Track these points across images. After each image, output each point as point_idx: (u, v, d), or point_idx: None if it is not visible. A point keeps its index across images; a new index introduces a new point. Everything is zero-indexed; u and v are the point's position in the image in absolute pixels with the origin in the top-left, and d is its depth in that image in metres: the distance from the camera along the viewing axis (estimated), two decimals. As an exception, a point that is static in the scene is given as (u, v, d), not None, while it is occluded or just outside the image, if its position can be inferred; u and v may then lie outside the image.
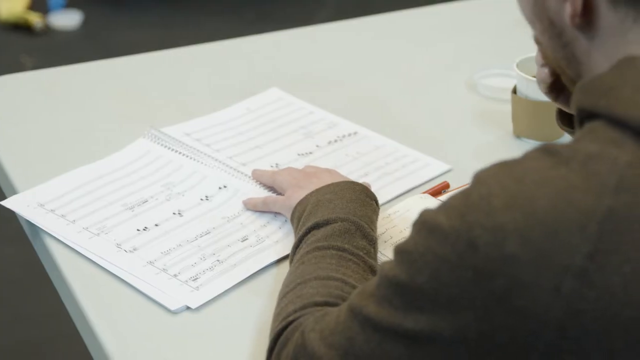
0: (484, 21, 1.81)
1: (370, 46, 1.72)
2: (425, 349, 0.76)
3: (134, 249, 1.15)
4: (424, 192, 1.26)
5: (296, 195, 1.15)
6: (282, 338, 0.91)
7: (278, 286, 1.07)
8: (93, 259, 1.13)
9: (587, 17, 0.80)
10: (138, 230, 1.18)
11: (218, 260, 1.13)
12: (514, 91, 1.38)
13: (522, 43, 1.67)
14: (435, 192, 1.26)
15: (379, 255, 1.09)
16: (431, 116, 1.48)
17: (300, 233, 1.08)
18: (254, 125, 1.44)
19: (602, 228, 0.70)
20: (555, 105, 1.31)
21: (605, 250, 0.70)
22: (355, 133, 1.42)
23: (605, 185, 0.71)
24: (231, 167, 1.31)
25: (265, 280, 1.12)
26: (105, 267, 1.12)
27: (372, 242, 1.06)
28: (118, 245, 1.15)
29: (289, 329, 0.91)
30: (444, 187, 1.27)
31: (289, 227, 1.18)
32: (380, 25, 1.82)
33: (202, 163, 1.32)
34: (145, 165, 1.31)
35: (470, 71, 1.57)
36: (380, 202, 1.19)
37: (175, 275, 1.10)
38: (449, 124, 1.46)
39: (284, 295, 0.98)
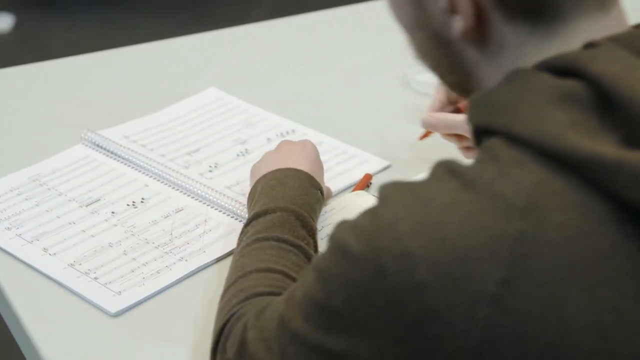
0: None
1: (305, 44, 1.74)
2: None
3: (58, 252, 1.14)
4: (353, 189, 1.27)
5: (253, 178, 1.17)
6: (225, 330, 0.91)
7: (210, 289, 1.08)
8: (24, 260, 1.13)
9: (479, 31, 0.77)
10: (64, 234, 1.17)
11: (144, 264, 1.13)
12: (447, 86, 1.40)
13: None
14: (362, 187, 1.28)
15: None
16: (367, 112, 1.50)
17: (245, 223, 1.08)
18: (193, 125, 1.44)
19: (513, 253, 0.68)
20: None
21: (518, 276, 0.68)
22: (293, 131, 1.43)
23: (513, 208, 0.69)
24: (167, 167, 1.31)
25: (202, 282, 1.12)
26: (40, 271, 1.12)
27: (311, 232, 1.06)
28: (44, 250, 1.15)
29: (231, 320, 0.91)
30: (367, 179, 1.29)
31: (217, 233, 1.18)
32: (314, 22, 1.83)
33: (133, 168, 1.32)
34: (79, 168, 1.31)
35: (403, 67, 1.59)
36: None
37: (95, 279, 1.10)
38: (384, 120, 1.47)
39: (225, 290, 0.99)
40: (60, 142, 1.37)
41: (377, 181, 1.30)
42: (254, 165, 1.21)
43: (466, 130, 1.20)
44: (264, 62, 1.65)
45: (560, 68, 0.74)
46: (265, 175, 1.13)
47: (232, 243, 1.16)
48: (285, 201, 1.07)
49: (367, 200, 1.22)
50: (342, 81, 1.60)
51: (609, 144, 0.70)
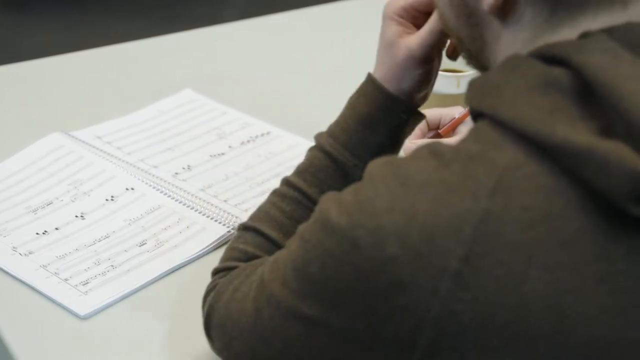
0: (390, 17, 1.83)
1: (279, 44, 1.74)
2: (321, 332, 0.78)
3: (29, 253, 1.14)
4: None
5: None
6: (207, 304, 0.94)
7: (183, 289, 1.08)
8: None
9: (504, 6, 0.81)
10: (37, 233, 1.17)
11: (112, 266, 1.12)
12: (421, 86, 1.40)
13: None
14: None
15: None
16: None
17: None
18: (166, 127, 1.44)
19: (476, 231, 0.71)
20: (460, 98, 1.35)
21: (479, 254, 0.70)
22: (268, 133, 1.43)
23: (482, 188, 0.71)
24: (141, 169, 1.31)
25: (176, 282, 1.12)
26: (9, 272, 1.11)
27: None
28: (14, 249, 1.14)
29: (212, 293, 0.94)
30: None
31: (190, 232, 1.18)
32: (288, 22, 1.83)
33: (112, 162, 1.32)
34: (55, 161, 1.31)
35: (378, 67, 1.59)
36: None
37: (65, 280, 1.10)
38: (358, 120, 1.48)
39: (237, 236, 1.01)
40: (33, 144, 1.36)
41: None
42: None
43: None
44: (238, 63, 1.65)
45: (550, 56, 0.76)
46: None
47: (206, 242, 1.16)
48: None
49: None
50: (316, 81, 1.60)
51: (585, 132, 0.72)
